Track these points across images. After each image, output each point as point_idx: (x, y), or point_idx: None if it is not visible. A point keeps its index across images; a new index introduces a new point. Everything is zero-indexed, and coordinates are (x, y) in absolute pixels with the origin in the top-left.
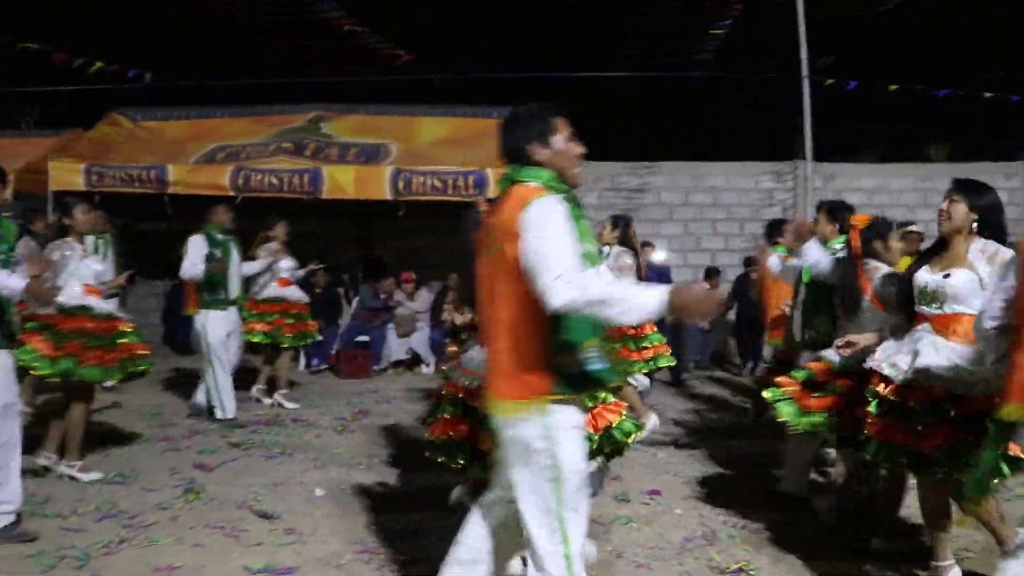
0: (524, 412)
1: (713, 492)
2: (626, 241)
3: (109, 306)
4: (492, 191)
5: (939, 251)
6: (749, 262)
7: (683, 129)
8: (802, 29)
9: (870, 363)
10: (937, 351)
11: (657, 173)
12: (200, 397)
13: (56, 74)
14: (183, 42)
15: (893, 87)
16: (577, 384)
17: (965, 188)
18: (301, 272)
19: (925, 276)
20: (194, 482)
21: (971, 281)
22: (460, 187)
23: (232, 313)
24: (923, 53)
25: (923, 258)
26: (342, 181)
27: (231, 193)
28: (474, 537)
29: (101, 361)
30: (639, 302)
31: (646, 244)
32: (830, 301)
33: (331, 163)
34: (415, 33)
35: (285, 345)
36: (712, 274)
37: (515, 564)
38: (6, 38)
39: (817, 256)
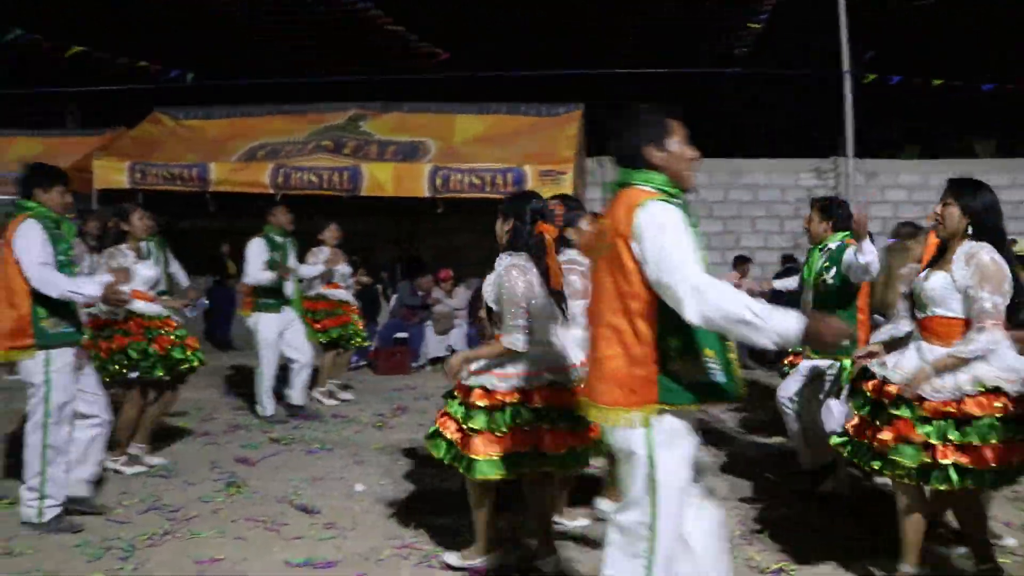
0: (628, 421)
1: (751, 490)
2: None
3: (157, 308)
4: (531, 187)
5: (941, 255)
6: (788, 260)
7: (721, 125)
8: (843, 22)
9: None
10: (917, 354)
11: (697, 170)
12: (294, 394)
13: (100, 74)
14: (223, 42)
15: (937, 81)
16: (694, 394)
17: (958, 190)
18: (351, 278)
19: (917, 281)
20: (235, 476)
21: (945, 283)
22: (498, 184)
23: (287, 313)
24: (967, 46)
25: (929, 263)
26: (381, 179)
27: (271, 191)
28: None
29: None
30: (778, 327)
31: None
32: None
33: (370, 161)
34: (452, 31)
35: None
36: (741, 262)
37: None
38: (51, 40)
39: (872, 253)
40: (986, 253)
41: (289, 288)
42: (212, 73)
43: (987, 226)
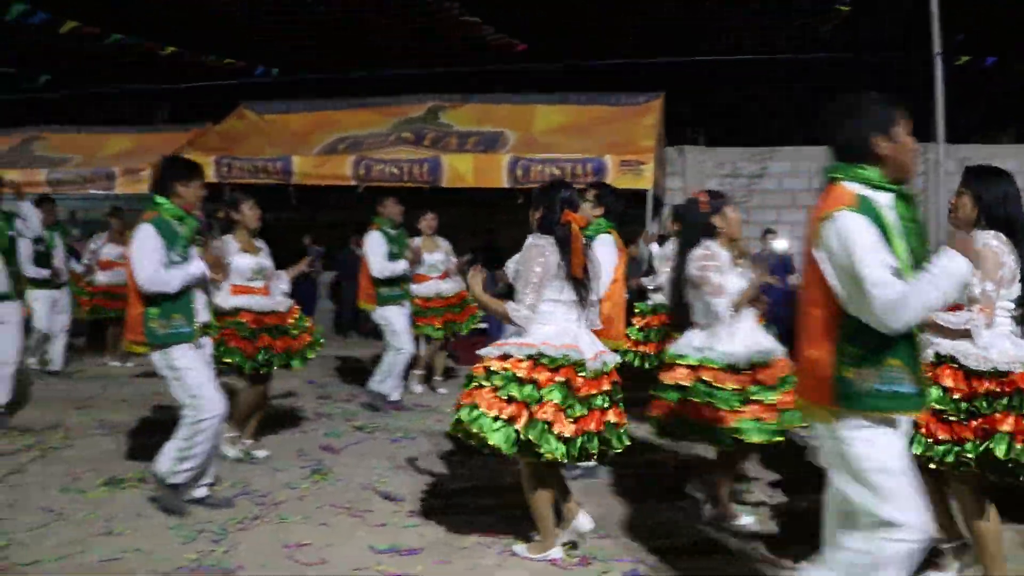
0: (826, 417)
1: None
2: None
3: (266, 301)
4: (612, 177)
5: None
6: None
7: (805, 112)
8: (935, 2)
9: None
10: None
11: (777, 158)
12: (376, 384)
13: (188, 72)
14: (306, 37)
15: None
16: (875, 402)
17: (972, 178)
18: (454, 262)
19: None
20: (320, 464)
21: None
22: (578, 175)
23: (407, 305)
24: None
25: None
26: (461, 170)
27: (353, 183)
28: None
29: (282, 349)
30: (951, 280)
31: (768, 232)
32: None
33: (450, 152)
34: (529, 22)
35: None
36: (767, 233)
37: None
38: (139, 39)
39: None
40: (983, 238)
41: (409, 280)
42: (295, 69)
43: (997, 216)
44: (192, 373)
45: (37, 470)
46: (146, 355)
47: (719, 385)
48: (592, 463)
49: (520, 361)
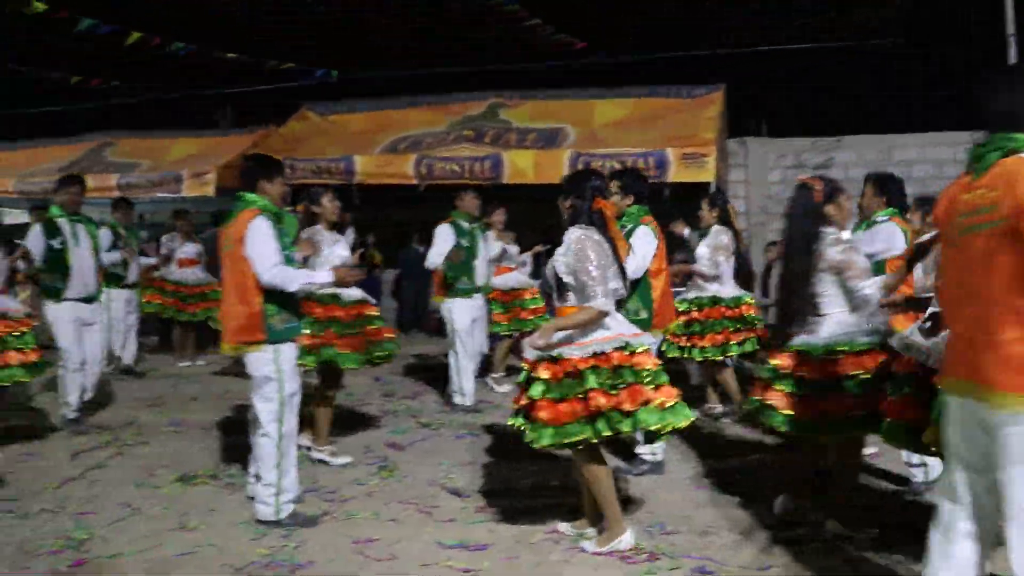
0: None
1: None
2: (726, 220)
3: (358, 292)
4: (673, 171)
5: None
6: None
7: (870, 100)
8: None
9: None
10: None
11: (843, 148)
12: (459, 399)
13: (250, 76)
14: (365, 37)
15: None
16: None
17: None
18: (526, 256)
19: None
20: (387, 460)
21: None
22: (640, 169)
23: (477, 300)
24: None
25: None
26: (522, 166)
27: (414, 181)
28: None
29: (353, 347)
30: None
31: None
32: None
33: (511, 148)
34: (588, 19)
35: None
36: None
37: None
38: (205, 45)
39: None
40: None
41: (480, 275)
42: (355, 70)
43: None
44: (292, 375)
45: (114, 466)
46: (235, 356)
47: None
48: (658, 457)
49: (612, 353)
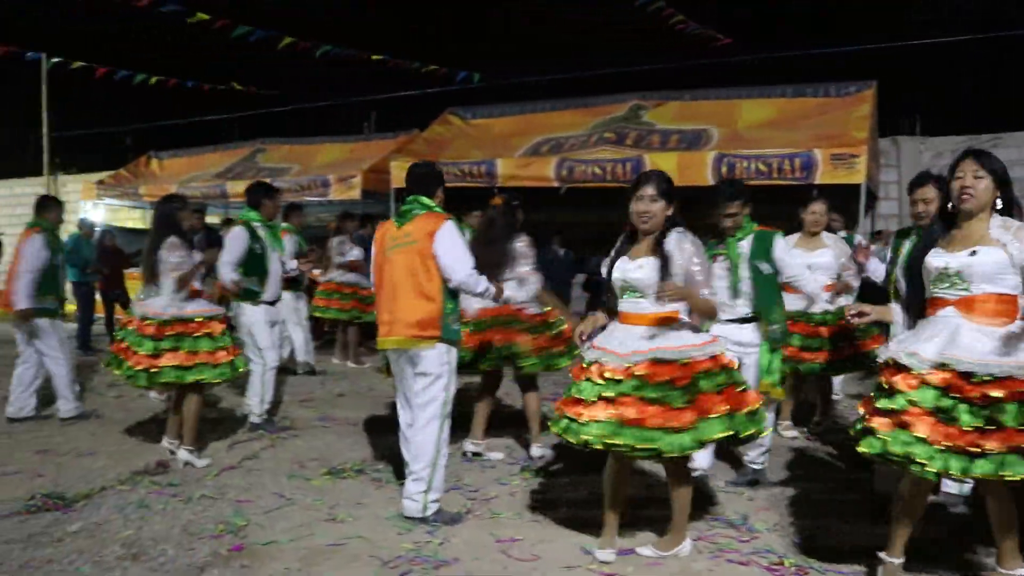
0: None
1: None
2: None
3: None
4: (821, 172)
5: (948, 230)
6: None
7: None
8: None
9: (885, 355)
10: (980, 334)
11: (1003, 145)
12: None
13: (393, 82)
14: (507, 41)
15: None
16: None
17: (986, 161)
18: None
19: (942, 258)
20: (530, 461)
21: (1001, 259)
22: (786, 170)
23: None
24: None
25: (927, 240)
26: (664, 168)
27: (556, 184)
28: None
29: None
30: None
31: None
32: None
33: (653, 151)
34: (733, 15)
35: None
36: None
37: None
38: (350, 50)
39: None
40: None
41: None
42: (497, 72)
43: (1009, 198)
44: (455, 377)
45: (267, 457)
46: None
47: None
48: (761, 465)
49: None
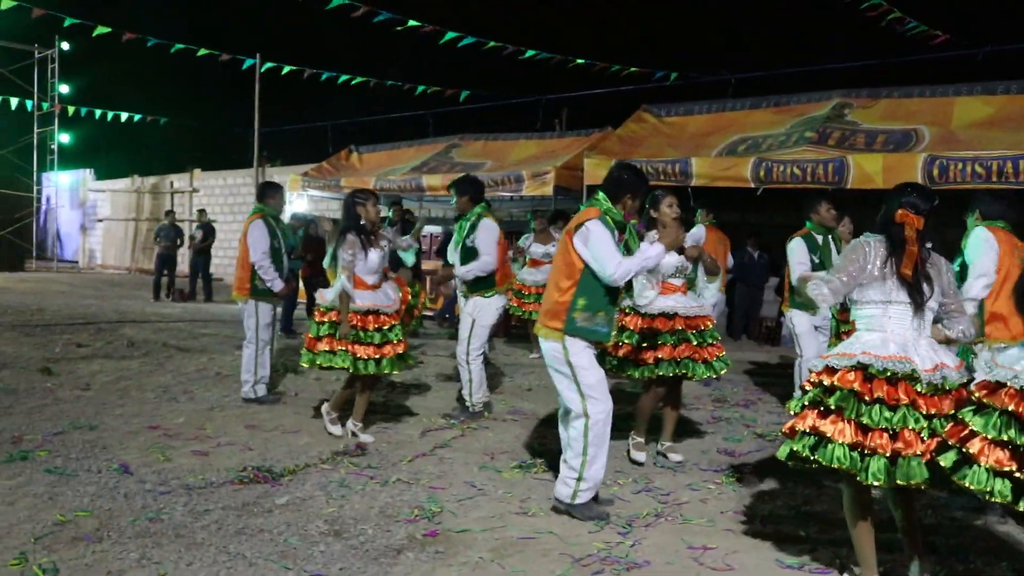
0: None
1: None
2: None
3: (689, 302)
4: None
5: None
6: None
7: None
8: None
9: (999, 377)
10: None
11: None
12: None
13: (587, 78)
14: (705, 39)
15: None
16: None
17: None
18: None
19: None
20: (720, 467)
21: None
22: (1007, 174)
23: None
24: None
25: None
26: (869, 170)
27: (751, 185)
28: None
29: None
30: None
31: None
32: None
33: (857, 151)
34: (952, 10)
35: None
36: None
37: None
38: (555, 54)
39: None
40: None
41: None
42: (695, 70)
43: None
44: (586, 373)
45: (458, 447)
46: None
47: None
48: None
49: (848, 372)
